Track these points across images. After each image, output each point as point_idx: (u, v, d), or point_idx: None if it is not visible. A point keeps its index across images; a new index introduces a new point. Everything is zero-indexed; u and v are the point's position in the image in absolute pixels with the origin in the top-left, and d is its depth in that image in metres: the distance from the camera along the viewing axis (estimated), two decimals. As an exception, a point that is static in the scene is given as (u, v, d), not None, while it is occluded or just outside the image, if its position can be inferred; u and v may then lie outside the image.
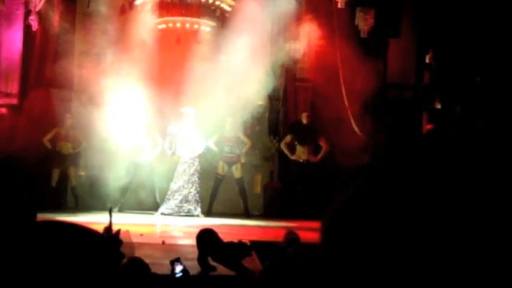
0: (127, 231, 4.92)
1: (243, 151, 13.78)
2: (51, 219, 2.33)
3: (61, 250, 1.96)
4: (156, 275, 4.84)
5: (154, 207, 13.46)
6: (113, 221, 4.66)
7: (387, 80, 14.03)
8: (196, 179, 13.36)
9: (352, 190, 1.35)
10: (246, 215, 13.56)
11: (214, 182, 13.82)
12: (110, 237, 4.27)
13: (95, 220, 9.35)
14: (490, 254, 1.36)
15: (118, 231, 4.53)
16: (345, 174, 1.45)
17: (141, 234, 9.14)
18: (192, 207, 13.21)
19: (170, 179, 13.41)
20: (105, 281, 2.04)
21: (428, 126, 12.82)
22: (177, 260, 5.18)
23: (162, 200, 13.35)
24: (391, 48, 14.14)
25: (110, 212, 4.91)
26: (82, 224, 2.31)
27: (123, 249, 4.31)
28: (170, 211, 13.18)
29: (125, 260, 4.40)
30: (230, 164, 13.75)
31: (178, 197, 13.22)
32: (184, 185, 13.25)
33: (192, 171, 13.33)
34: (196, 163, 13.38)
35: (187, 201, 13.22)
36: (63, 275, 1.89)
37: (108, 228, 4.43)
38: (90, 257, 2.04)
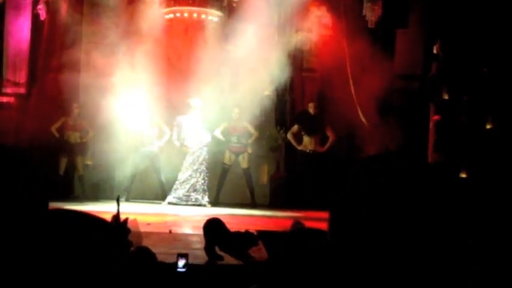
0: (135, 220, 4.94)
1: (250, 141, 13.80)
2: (60, 207, 2.36)
3: (71, 238, 1.99)
4: (162, 264, 4.87)
5: (162, 196, 13.50)
6: (120, 210, 4.68)
7: (395, 71, 14.00)
8: (204, 168, 13.38)
9: (364, 180, 1.36)
10: (253, 204, 13.59)
11: (221, 171, 13.86)
12: (118, 225, 4.29)
13: (102, 209, 9.38)
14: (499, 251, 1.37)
15: (126, 220, 4.55)
16: (357, 164, 1.46)
17: (148, 224, 9.17)
18: (200, 197, 13.24)
19: (177, 168, 13.44)
20: (113, 268, 2.06)
21: (436, 117, 12.79)
22: (184, 256, 5.19)
23: (170, 190, 13.39)
24: (398, 39, 14.10)
25: (118, 200, 4.93)
26: (90, 212, 2.34)
27: (130, 238, 4.33)
28: (177, 200, 13.21)
29: (132, 249, 4.43)
30: (237, 154, 13.78)
31: (186, 186, 13.25)
32: (192, 174, 13.28)
33: (200, 161, 13.35)
34: (204, 152, 13.40)
35: (195, 190, 13.25)
36: (73, 261, 1.91)
37: (116, 217, 4.44)
38: (99, 245, 2.07)
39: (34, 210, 1.60)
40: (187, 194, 13.23)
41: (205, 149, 13.41)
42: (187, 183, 13.26)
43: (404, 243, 1.28)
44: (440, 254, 1.28)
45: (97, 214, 2.49)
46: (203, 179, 13.34)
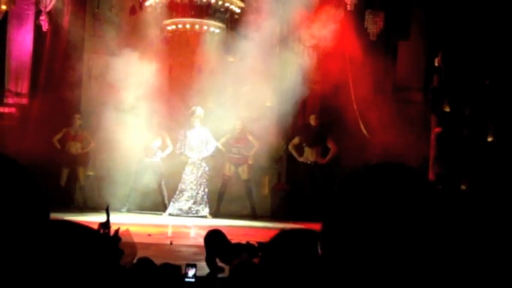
0: (127, 230, 4.92)
1: (251, 153, 13.79)
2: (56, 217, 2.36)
3: (55, 246, 1.98)
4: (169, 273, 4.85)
5: (163, 207, 13.49)
6: (110, 220, 4.66)
7: (396, 83, 14.01)
8: (205, 181, 13.38)
9: (357, 194, 1.36)
10: (254, 216, 13.57)
11: (221, 183, 13.86)
12: (106, 233, 4.27)
13: (102, 220, 9.36)
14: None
15: (117, 230, 4.55)
16: (346, 174, 1.45)
17: (149, 235, 9.16)
18: (200, 208, 13.24)
19: (179, 179, 13.44)
20: (103, 276, 2.06)
21: (437, 129, 12.79)
22: (193, 266, 5.18)
23: (170, 201, 13.38)
24: (400, 51, 14.12)
25: (107, 211, 4.91)
26: (83, 222, 2.33)
27: (123, 247, 4.32)
28: (178, 212, 13.21)
29: (129, 259, 4.42)
30: (237, 165, 13.77)
31: (187, 197, 13.25)
32: (192, 186, 13.28)
33: (200, 173, 13.35)
34: (204, 164, 13.40)
35: (195, 202, 13.25)
36: (59, 268, 1.91)
37: (104, 224, 4.42)
38: (85, 252, 2.06)
39: (35, 221, 1.60)
40: (188, 205, 13.23)
41: (204, 162, 13.40)
42: (187, 195, 13.26)
43: (396, 258, 1.28)
44: (435, 270, 1.27)
45: (86, 223, 2.50)
46: (203, 191, 13.34)
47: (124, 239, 4.60)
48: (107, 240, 3.89)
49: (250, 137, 13.73)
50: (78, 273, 2.01)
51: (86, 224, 2.39)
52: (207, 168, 13.43)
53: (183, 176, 13.36)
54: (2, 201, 1.56)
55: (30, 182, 1.67)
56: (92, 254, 2.17)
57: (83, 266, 2.05)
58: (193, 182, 13.30)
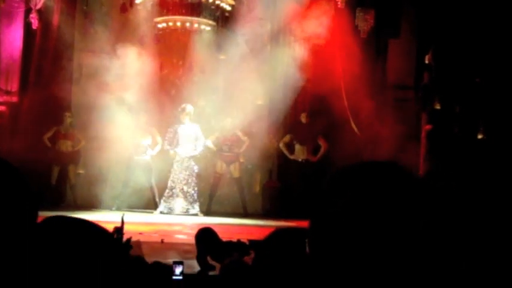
0: (138, 241, 4.95)
1: (242, 150, 13.78)
2: (59, 214, 2.35)
3: (69, 244, 1.98)
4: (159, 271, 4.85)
5: (153, 205, 13.47)
6: (123, 227, 4.68)
7: (387, 81, 14.04)
8: (194, 179, 13.35)
9: (346, 192, 1.35)
10: (245, 214, 13.57)
11: (212, 180, 13.85)
12: (120, 239, 4.28)
13: (94, 218, 9.33)
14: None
15: (129, 238, 4.56)
16: (335, 172, 1.44)
17: (141, 233, 9.15)
18: (191, 206, 13.22)
19: (169, 177, 13.43)
20: (110, 279, 2.06)
21: (428, 127, 12.83)
22: (180, 263, 5.18)
23: (161, 199, 13.36)
24: (391, 49, 14.15)
25: (122, 218, 4.93)
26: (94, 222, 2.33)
27: (132, 253, 4.34)
28: (169, 210, 13.19)
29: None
30: (228, 163, 13.76)
31: (176, 195, 13.23)
32: (181, 183, 13.24)
33: (188, 172, 13.32)
34: (192, 163, 13.37)
35: (185, 199, 13.23)
36: (69, 269, 1.91)
37: (119, 230, 4.44)
38: (97, 251, 2.06)
39: (23, 221, 1.59)
40: (178, 203, 13.21)
41: (192, 160, 13.37)
42: (176, 192, 13.24)
43: (384, 256, 1.27)
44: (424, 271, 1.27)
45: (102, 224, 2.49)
46: (193, 189, 13.31)
47: (135, 247, 4.63)
48: (118, 245, 3.89)
49: (240, 135, 13.72)
50: (83, 273, 2.01)
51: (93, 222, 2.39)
52: (195, 167, 13.40)
53: (172, 173, 13.35)
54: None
55: (19, 181, 1.66)
56: (102, 256, 2.17)
57: (89, 265, 2.05)
58: (182, 179, 13.27)
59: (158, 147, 13.62)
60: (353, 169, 1.41)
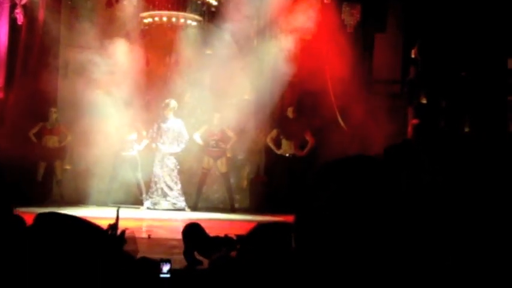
0: (132, 232, 4.93)
1: (229, 146, 13.78)
2: (53, 211, 2.34)
3: (63, 241, 1.98)
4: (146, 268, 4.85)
5: (140, 201, 13.45)
6: (117, 220, 4.66)
7: (373, 75, 14.07)
8: (176, 174, 13.33)
9: (330, 186, 1.35)
10: (232, 209, 13.58)
11: (199, 176, 13.84)
12: (114, 235, 4.27)
13: (81, 214, 9.29)
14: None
15: (123, 231, 4.54)
16: (319, 167, 1.44)
17: (127, 229, 9.11)
18: (176, 201, 13.21)
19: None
20: (103, 274, 2.06)
21: (414, 121, 12.86)
22: (167, 261, 5.18)
23: (147, 194, 13.34)
24: (377, 43, 14.17)
25: (118, 212, 4.91)
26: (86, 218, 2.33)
27: (126, 249, 4.32)
28: (155, 205, 13.18)
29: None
30: (215, 158, 13.75)
31: (160, 190, 13.22)
32: (163, 178, 13.23)
33: (171, 167, 13.31)
34: (173, 159, 13.35)
35: (170, 195, 13.22)
36: (63, 266, 1.91)
37: (113, 226, 4.43)
38: (91, 251, 2.06)
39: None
40: (163, 198, 13.21)
41: (173, 156, 13.35)
42: (160, 187, 13.23)
43: (368, 249, 1.28)
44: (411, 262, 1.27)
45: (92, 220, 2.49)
46: (175, 183, 13.29)
47: (129, 241, 4.61)
48: (112, 241, 3.89)
49: (227, 130, 13.72)
50: (77, 269, 2.01)
51: (95, 223, 2.38)
52: (176, 162, 13.37)
53: (154, 169, 13.34)
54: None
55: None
56: (95, 253, 2.17)
57: (83, 262, 2.05)
58: (165, 174, 13.27)
59: (144, 143, 13.59)
60: (337, 163, 1.41)
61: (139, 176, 13.61)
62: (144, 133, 13.58)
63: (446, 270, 1.29)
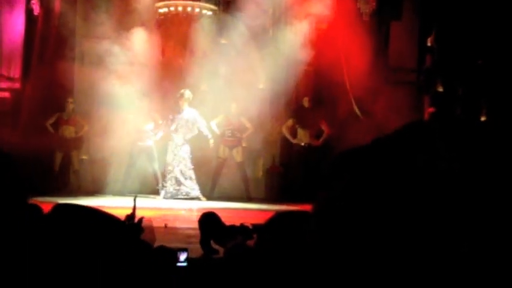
0: (150, 221, 4.95)
1: (245, 136, 13.78)
2: (70, 203, 2.37)
3: (80, 233, 2.00)
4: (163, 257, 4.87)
5: (156, 191, 13.48)
6: (132, 208, 4.69)
7: (389, 63, 14.00)
8: (189, 162, 13.30)
9: (346, 175, 1.35)
10: (248, 198, 13.58)
11: (215, 165, 13.85)
12: (131, 225, 4.30)
13: (98, 204, 9.37)
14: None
15: (140, 220, 4.57)
16: (335, 157, 1.44)
17: (144, 217, 9.14)
18: (190, 190, 13.20)
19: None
20: (122, 265, 2.07)
21: (430, 109, 12.80)
22: (184, 250, 5.20)
23: (163, 184, 13.36)
24: (393, 31, 14.10)
25: (134, 200, 4.93)
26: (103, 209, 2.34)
27: (144, 238, 4.35)
28: (170, 194, 13.19)
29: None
30: (231, 147, 13.75)
31: (175, 179, 13.22)
32: (178, 168, 13.22)
33: (185, 156, 13.29)
34: (187, 147, 13.32)
35: (185, 184, 13.22)
36: (82, 257, 1.92)
37: (130, 216, 4.46)
38: (109, 242, 2.07)
39: (11, 206, 1.60)
40: (177, 187, 13.21)
41: (187, 144, 13.33)
42: (174, 177, 13.23)
43: (384, 237, 1.28)
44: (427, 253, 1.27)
45: (109, 212, 2.50)
46: (190, 172, 13.26)
47: (146, 230, 4.64)
48: (129, 230, 3.92)
49: (243, 120, 13.71)
50: (95, 260, 2.03)
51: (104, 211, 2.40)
52: (190, 150, 13.34)
53: (167, 158, 13.33)
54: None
55: (8, 168, 1.67)
56: (113, 242, 2.18)
57: (101, 251, 2.07)
58: (179, 163, 13.26)
59: (161, 133, 13.61)
60: (350, 153, 1.41)
61: (156, 166, 13.63)
62: (161, 122, 13.59)
63: (461, 257, 1.29)
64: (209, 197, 13.36)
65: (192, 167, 13.32)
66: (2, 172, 1.63)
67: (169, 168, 13.28)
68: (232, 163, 13.96)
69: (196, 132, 13.33)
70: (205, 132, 13.27)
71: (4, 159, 1.65)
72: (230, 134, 13.69)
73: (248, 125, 13.72)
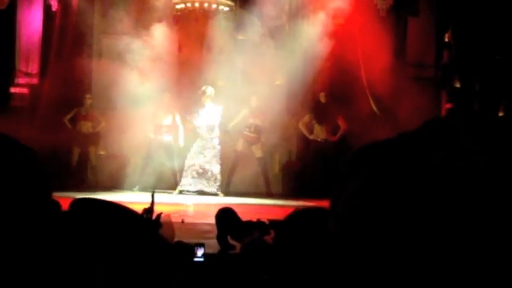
0: (168, 215, 4.97)
1: (262, 132, 13.74)
2: (87, 197, 2.40)
3: (98, 227, 2.02)
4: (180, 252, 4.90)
5: (175, 185, 13.49)
6: (152, 204, 4.72)
7: (406, 59, 13.96)
8: (213, 158, 13.28)
9: (363, 172, 1.36)
10: (268, 194, 13.57)
11: (232, 159, 13.84)
12: (149, 219, 4.33)
13: (116, 199, 9.40)
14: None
15: (159, 215, 4.60)
16: (352, 153, 1.45)
17: (162, 213, 9.18)
18: (209, 185, 13.20)
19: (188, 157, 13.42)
20: (139, 258, 2.09)
21: (448, 105, 12.76)
22: (201, 245, 5.23)
23: (180, 179, 13.37)
24: (410, 27, 14.05)
25: (153, 195, 4.96)
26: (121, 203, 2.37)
27: (162, 233, 4.37)
28: (187, 189, 13.20)
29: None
30: (250, 143, 13.73)
31: (195, 174, 13.21)
32: (199, 162, 13.20)
33: (208, 150, 13.25)
34: (215, 142, 13.32)
35: (204, 178, 13.21)
36: (101, 252, 1.95)
37: (148, 210, 4.48)
38: (126, 236, 2.10)
39: (35, 201, 1.62)
40: (197, 182, 13.20)
41: (215, 139, 13.34)
42: (195, 171, 13.22)
43: (401, 236, 1.28)
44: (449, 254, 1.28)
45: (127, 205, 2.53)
46: (213, 167, 13.26)
47: (164, 225, 4.66)
48: (148, 225, 3.94)
49: (260, 122, 13.69)
50: (113, 253, 2.05)
51: (122, 204, 2.43)
52: (217, 143, 13.34)
53: (190, 152, 13.31)
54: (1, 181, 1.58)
55: (32, 162, 1.69)
56: (131, 237, 2.20)
57: (119, 246, 2.09)
58: (200, 158, 13.24)
59: (181, 129, 13.60)
60: (368, 148, 1.42)
61: (175, 162, 13.62)
62: (178, 118, 13.60)
63: (485, 251, 1.29)
64: (225, 192, 13.34)
65: (214, 161, 13.27)
66: (26, 167, 1.65)
67: (190, 162, 13.25)
68: (251, 158, 13.93)
69: (217, 134, 13.32)
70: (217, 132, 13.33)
71: (28, 154, 1.67)
72: (253, 130, 13.65)
73: (264, 121, 13.69)
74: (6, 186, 1.57)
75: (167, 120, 13.63)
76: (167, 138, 13.62)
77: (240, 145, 13.78)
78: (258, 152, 13.78)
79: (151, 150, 13.63)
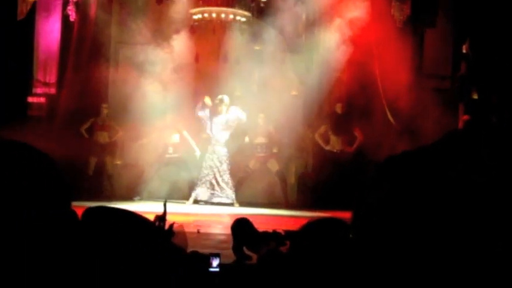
0: (181, 226, 4.97)
1: (275, 150, 13.70)
2: (100, 205, 2.40)
3: (111, 234, 2.02)
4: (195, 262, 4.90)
5: (187, 196, 13.48)
6: (166, 213, 4.72)
7: (424, 70, 13.92)
8: (225, 168, 13.28)
9: (385, 183, 1.35)
10: (286, 204, 13.53)
11: (242, 174, 13.80)
12: (161, 227, 4.32)
13: (132, 208, 9.40)
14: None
15: (171, 224, 4.60)
16: (375, 165, 1.44)
17: (175, 222, 9.19)
18: (224, 195, 13.18)
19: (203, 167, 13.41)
20: (153, 267, 2.09)
21: (465, 117, 12.70)
22: (217, 256, 5.23)
23: (194, 189, 13.34)
24: (427, 38, 14.02)
25: (165, 204, 4.96)
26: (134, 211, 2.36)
27: (175, 242, 4.36)
28: (202, 198, 13.18)
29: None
30: (263, 162, 13.70)
31: (209, 184, 13.19)
32: (213, 173, 13.19)
33: (221, 159, 13.23)
34: (225, 151, 13.29)
35: (218, 189, 13.20)
36: (116, 260, 1.94)
37: (161, 218, 4.48)
38: (138, 243, 2.09)
39: (55, 211, 1.62)
40: (210, 192, 13.19)
41: (226, 148, 13.33)
42: (209, 181, 13.21)
43: (424, 247, 1.27)
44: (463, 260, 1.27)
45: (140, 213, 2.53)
46: (225, 177, 13.24)
47: (177, 234, 4.65)
48: (160, 233, 3.94)
49: (272, 130, 13.66)
50: (127, 261, 2.04)
51: (134, 212, 2.43)
52: (228, 155, 13.31)
53: (204, 162, 13.32)
54: (22, 190, 1.58)
55: (53, 173, 1.69)
56: (145, 245, 2.20)
57: (133, 255, 2.08)
58: (215, 168, 13.23)
59: (192, 142, 13.63)
60: (391, 161, 1.41)
61: (189, 174, 13.61)
62: (185, 132, 13.62)
63: (496, 257, 1.28)
64: (240, 203, 13.29)
65: (228, 171, 13.27)
66: (47, 177, 1.65)
67: (205, 171, 13.25)
68: (265, 173, 13.89)
69: (232, 129, 13.29)
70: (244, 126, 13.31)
71: (49, 163, 1.67)
72: (260, 150, 13.65)
73: (276, 135, 13.66)
74: (25, 194, 1.57)
75: (174, 138, 13.66)
76: (175, 155, 13.64)
77: (252, 163, 13.74)
78: (274, 167, 13.73)
79: (161, 167, 13.71)
